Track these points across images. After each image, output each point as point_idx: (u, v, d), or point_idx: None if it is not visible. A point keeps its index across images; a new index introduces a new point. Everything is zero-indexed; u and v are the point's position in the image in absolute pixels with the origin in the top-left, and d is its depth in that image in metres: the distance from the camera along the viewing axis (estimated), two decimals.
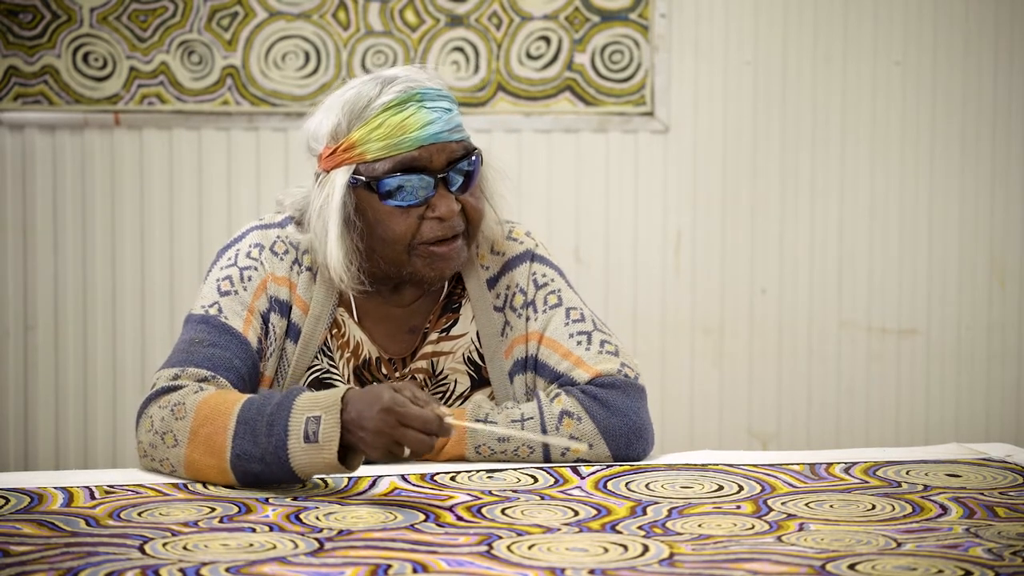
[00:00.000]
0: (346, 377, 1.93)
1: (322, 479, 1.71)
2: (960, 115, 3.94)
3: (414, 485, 1.69)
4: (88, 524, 1.49)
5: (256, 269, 1.90)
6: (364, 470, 1.74)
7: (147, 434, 1.76)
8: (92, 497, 1.62)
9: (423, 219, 1.85)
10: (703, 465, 1.81)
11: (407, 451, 1.61)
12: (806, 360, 3.95)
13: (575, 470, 1.77)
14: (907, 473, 1.75)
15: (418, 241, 1.85)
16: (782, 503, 1.60)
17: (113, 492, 1.64)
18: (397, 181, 1.83)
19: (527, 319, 1.94)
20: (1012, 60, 3.94)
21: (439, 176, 1.84)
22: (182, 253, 3.74)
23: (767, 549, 1.38)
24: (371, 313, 1.94)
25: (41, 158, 3.69)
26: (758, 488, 1.67)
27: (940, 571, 1.30)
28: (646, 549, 1.39)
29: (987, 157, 3.96)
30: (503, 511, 1.56)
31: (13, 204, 3.69)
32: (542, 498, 1.63)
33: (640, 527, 1.49)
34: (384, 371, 1.94)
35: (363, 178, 1.84)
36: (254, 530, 1.47)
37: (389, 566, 1.32)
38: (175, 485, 1.69)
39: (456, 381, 1.95)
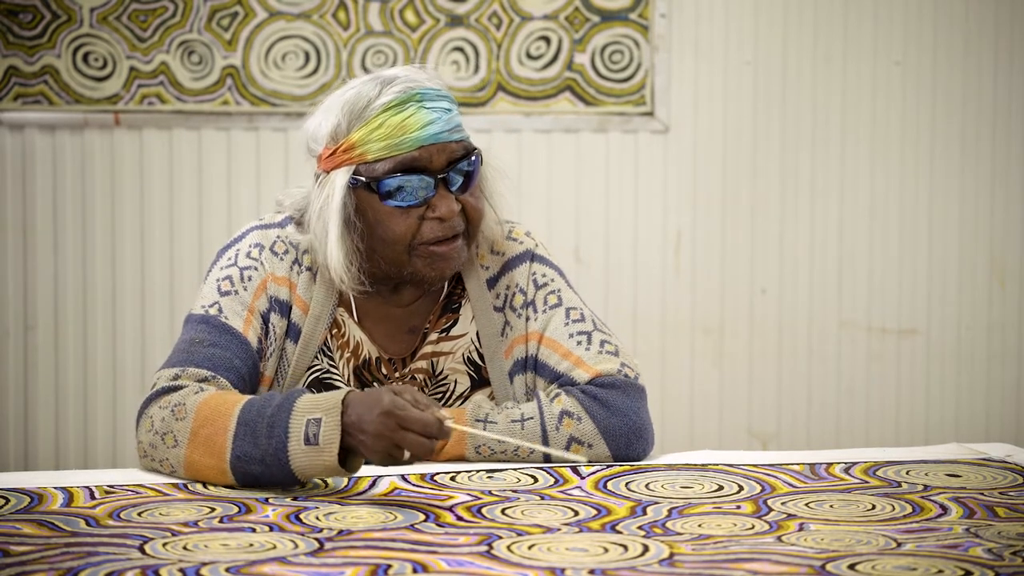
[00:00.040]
0: (346, 377, 1.93)
1: (322, 479, 1.71)
2: (960, 115, 3.94)
3: (414, 485, 1.69)
4: (88, 524, 1.49)
5: (256, 269, 1.90)
6: (364, 470, 1.74)
7: (147, 434, 1.76)
8: (92, 497, 1.62)
9: (423, 219, 1.85)
10: (703, 465, 1.81)
11: (407, 454, 1.61)
12: (806, 360, 3.95)
13: (575, 470, 1.77)
14: (907, 473, 1.75)
15: (418, 241, 1.85)
16: (782, 503, 1.60)
17: (113, 492, 1.64)
18: (397, 181, 1.83)
19: (527, 319, 1.94)
20: (1012, 60, 3.94)
21: (439, 176, 1.84)
22: (182, 253, 3.74)
23: (767, 549, 1.38)
24: (371, 313, 1.94)
25: (41, 158, 3.69)
26: (758, 488, 1.67)
27: (940, 571, 1.30)
28: (646, 549, 1.39)
29: (987, 157, 3.96)
30: (503, 511, 1.56)
31: (13, 204, 3.70)
32: (542, 498, 1.63)
33: (640, 527, 1.49)
34: (384, 371, 1.94)
35: (363, 179, 1.84)
36: (254, 530, 1.47)
37: (389, 566, 1.32)
38: (175, 485, 1.69)
39: (456, 381, 1.95)
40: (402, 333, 1.95)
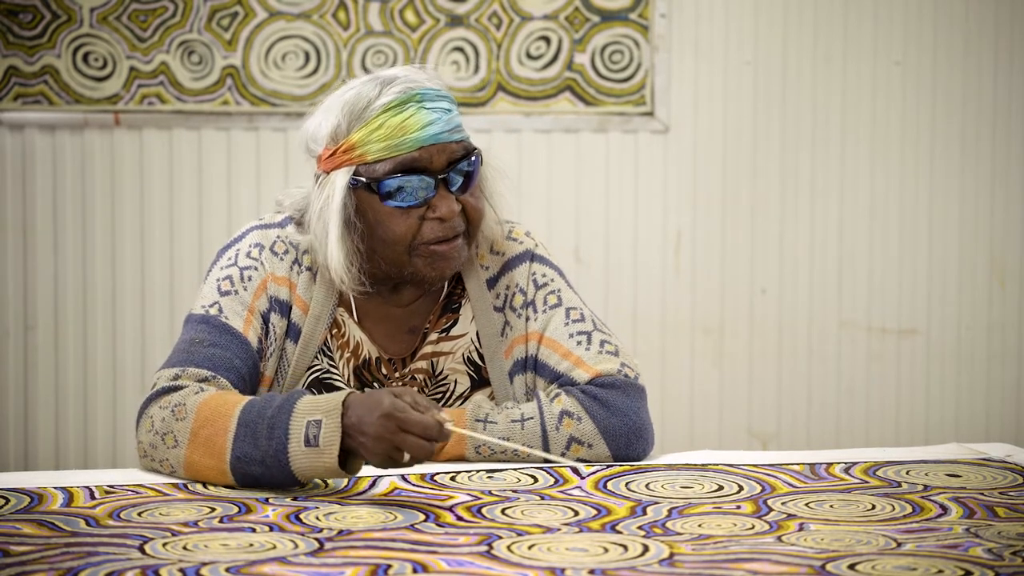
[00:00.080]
0: (346, 377, 1.93)
1: (322, 480, 1.71)
2: (960, 115, 3.94)
3: (414, 485, 1.69)
4: (88, 524, 1.49)
5: (256, 269, 1.90)
6: (364, 471, 1.74)
7: (147, 434, 1.76)
8: (92, 497, 1.62)
9: (424, 219, 1.85)
10: (703, 465, 1.81)
11: (407, 456, 1.61)
12: (806, 360, 3.95)
13: (575, 470, 1.77)
14: (907, 473, 1.75)
15: (419, 241, 1.85)
16: (782, 503, 1.60)
17: (113, 492, 1.64)
18: (397, 182, 1.83)
19: (527, 319, 1.94)
20: (1012, 60, 3.94)
21: (439, 177, 1.84)
22: (182, 253, 3.74)
23: (767, 549, 1.38)
24: (371, 313, 1.94)
25: (41, 158, 3.69)
26: (758, 488, 1.67)
27: (940, 571, 1.30)
28: (646, 549, 1.39)
29: (987, 157, 3.96)
30: (503, 511, 1.56)
31: (13, 204, 3.70)
32: (542, 498, 1.63)
33: (640, 527, 1.49)
34: (384, 371, 1.94)
35: (363, 179, 1.84)
36: (254, 530, 1.47)
37: (389, 566, 1.32)
38: (175, 485, 1.69)
39: (456, 381, 1.95)
40: (402, 333, 1.95)
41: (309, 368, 1.92)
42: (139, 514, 1.54)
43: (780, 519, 1.52)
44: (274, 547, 1.39)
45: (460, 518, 1.53)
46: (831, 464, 1.80)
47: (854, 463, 1.81)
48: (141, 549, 1.38)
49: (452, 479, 1.73)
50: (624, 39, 3.82)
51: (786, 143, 3.91)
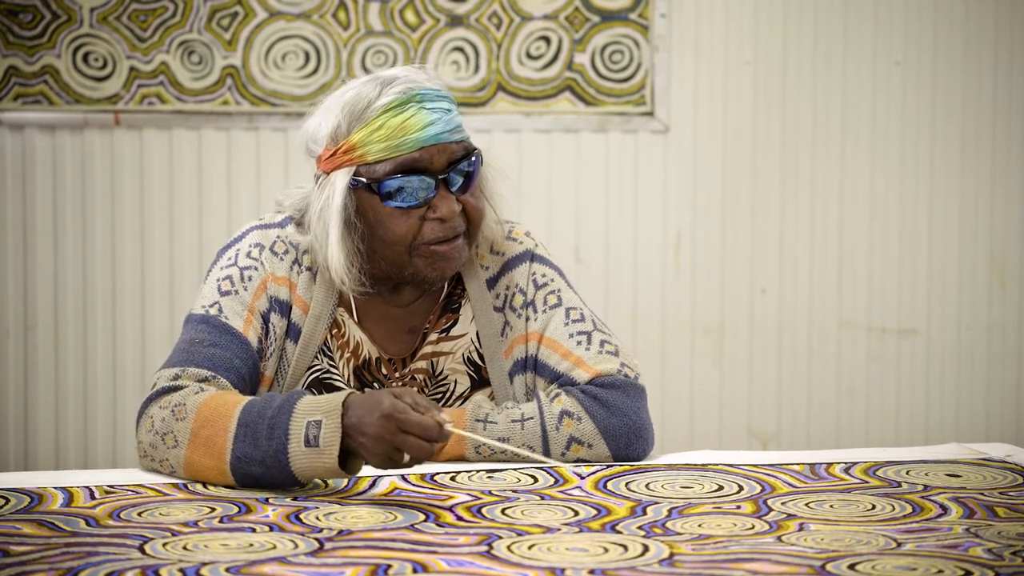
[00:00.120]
0: (346, 377, 1.93)
1: (322, 480, 1.71)
2: (960, 115, 3.94)
3: (414, 485, 1.69)
4: (88, 524, 1.49)
5: (256, 269, 1.90)
6: (364, 471, 1.74)
7: (147, 434, 1.76)
8: (92, 497, 1.62)
9: (424, 220, 1.85)
10: (703, 465, 1.81)
11: (407, 457, 1.61)
12: (806, 360, 3.95)
13: (576, 468, 1.77)
14: (907, 473, 1.75)
15: (419, 242, 1.85)
16: (782, 503, 1.60)
17: (113, 492, 1.64)
18: (398, 183, 1.83)
19: (527, 319, 1.94)
20: (1012, 60, 3.94)
21: (440, 177, 1.84)
22: (182, 253, 3.74)
23: (767, 549, 1.38)
24: (371, 313, 1.94)
25: (41, 158, 3.69)
26: (758, 488, 1.67)
27: (940, 571, 1.30)
28: (646, 549, 1.39)
29: (987, 157, 3.96)
30: (503, 511, 1.56)
31: (13, 204, 3.70)
32: (542, 498, 1.63)
33: (640, 527, 1.49)
34: (384, 371, 1.94)
35: (363, 180, 1.83)
36: (254, 530, 1.47)
37: (389, 566, 1.32)
38: (175, 485, 1.69)
39: (456, 381, 1.95)
40: (402, 333, 1.95)
41: (309, 368, 1.92)
42: (139, 514, 1.54)
43: (780, 519, 1.52)
44: (274, 547, 1.39)
45: (460, 518, 1.53)
46: (831, 464, 1.80)
47: (854, 463, 1.81)
48: (141, 549, 1.38)
49: (452, 479, 1.73)
50: (624, 39, 3.82)
51: (786, 143, 3.91)
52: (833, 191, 3.92)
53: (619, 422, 1.84)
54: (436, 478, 1.73)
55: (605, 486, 1.69)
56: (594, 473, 1.76)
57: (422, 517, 1.53)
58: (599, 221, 3.86)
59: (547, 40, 3.80)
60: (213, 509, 1.57)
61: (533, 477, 1.74)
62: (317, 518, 1.52)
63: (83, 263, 3.72)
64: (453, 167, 1.85)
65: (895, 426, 3.97)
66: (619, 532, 1.47)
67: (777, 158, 3.91)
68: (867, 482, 1.71)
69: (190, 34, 3.70)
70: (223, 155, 3.73)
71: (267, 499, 1.62)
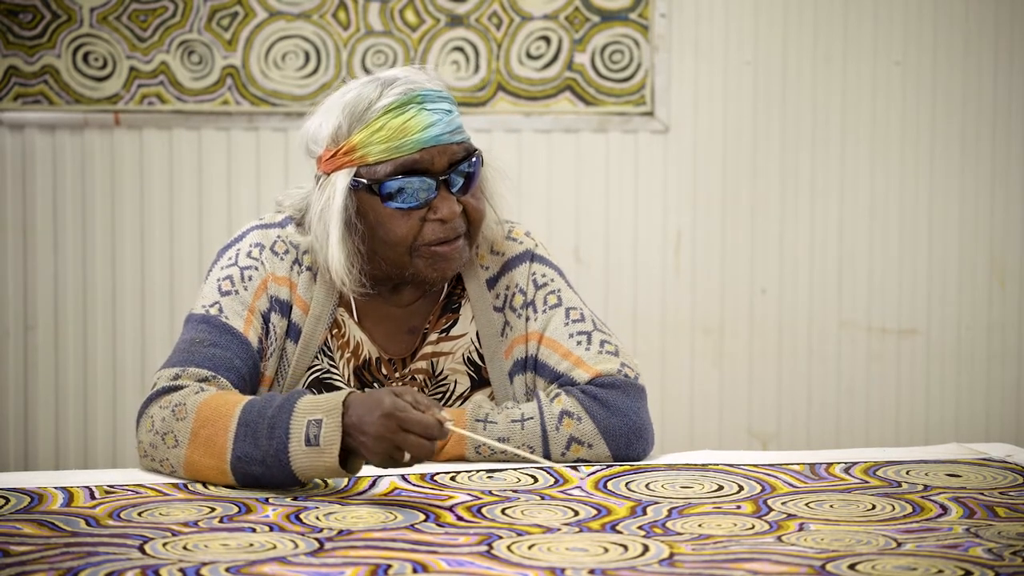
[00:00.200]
0: (346, 377, 1.93)
1: (322, 479, 1.71)
2: (960, 115, 3.94)
3: (414, 485, 1.69)
4: (88, 524, 1.49)
5: (257, 269, 1.90)
6: (364, 470, 1.74)
7: (148, 434, 1.76)
8: (92, 497, 1.62)
9: (425, 221, 1.85)
10: (703, 465, 1.81)
11: (407, 456, 1.61)
12: (806, 360, 3.95)
13: (575, 470, 1.77)
14: (907, 473, 1.75)
15: (420, 243, 1.85)
16: (782, 503, 1.60)
17: (113, 492, 1.64)
18: (398, 184, 1.83)
19: (527, 319, 1.94)
20: (1012, 60, 3.94)
21: (440, 178, 1.84)
22: (182, 253, 3.74)
23: (767, 549, 1.38)
24: (371, 313, 1.94)
25: (41, 158, 3.69)
26: (758, 488, 1.68)
27: (940, 571, 1.31)
28: (646, 549, 1.39)
29: (987, 157, 3.96)
30: (503, 511, 1.56)
31: (13, 204, 3.70)
32: (542, 498, 1.63)
33: (640, 527, 1.49)
34: (384, 371, 1.94)
35: (364, 181, 1.83)
36: (254, 530, 1.47)
37: (389, 566, 1.32)
38: (175, 485, 1.69)
39: (456, 381, 1.95)
40: (402, 333, 1.95)
41: (309, 368, 1.92)
42: (139, 514, 1.54)
43: (780, 519, 1.52)
44: (274, 547, 1.39)
45: (460, 518, 1.53)
46: (831, 464, 1.80)
47: (854, 463, 1.81)
48: (141, 549, 1.38)
49: (452, 479, 1.73)
50: (624, 39, 3.82)
51: (786, 143, 3.91)
52: (833, 191, 3.92)
53: (619, 422, 1.84)
54: (436, 478, 1.73)
55: (605, 486, 1.69)
56: (594, 473, 1.76)
57: (422, 517, 1.53)
58: (599, 221, 3.86)
59: (547, 40, 3.80)
60: (213, 509, 1.57)
61: (533, 477, 1.74)
62: (317, 518, 1.52)
63: (83, 263, 3.72)
64: (454, 168, 1.85)
65: (895, 426, 3.97)
66: (619, 532, 1.47)
67: (777, 158, 3.91)
68: (867, 482, 1.71)
69: (190, 34, 3.70)
70: (223, 155, 3.73)
71: (267, 499, 1.62)
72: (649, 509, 1.57)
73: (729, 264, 3.91)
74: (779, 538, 1.43)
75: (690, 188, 3.89)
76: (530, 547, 1.40)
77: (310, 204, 1.89)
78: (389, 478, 1.72)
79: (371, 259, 1.87)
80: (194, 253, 3.73)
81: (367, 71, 3.70)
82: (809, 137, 3.91)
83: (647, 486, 1.69)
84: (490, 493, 1.65)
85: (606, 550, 1.39)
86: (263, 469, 1.66)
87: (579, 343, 1.90)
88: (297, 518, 1.52)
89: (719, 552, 1.37)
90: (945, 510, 1.56)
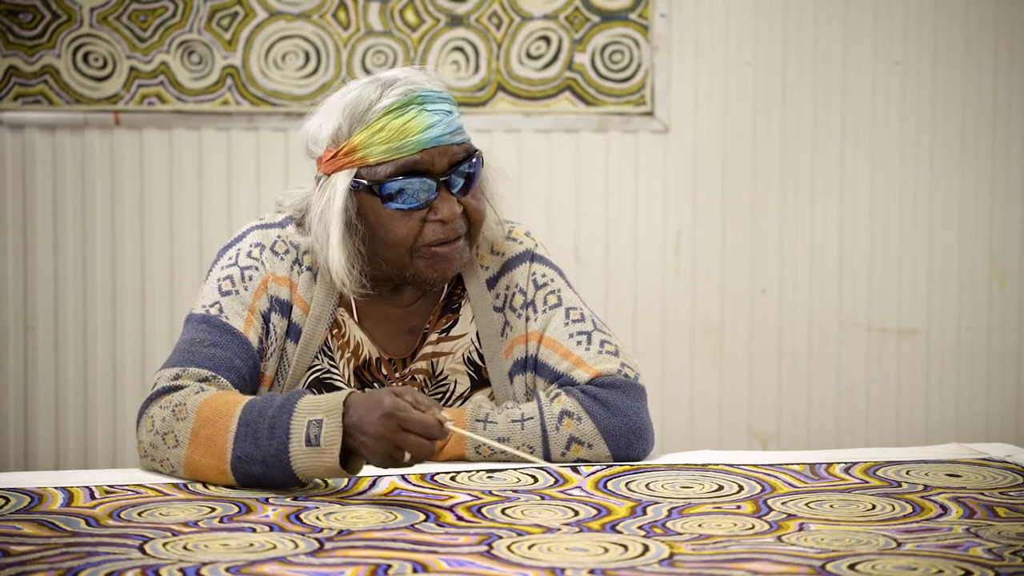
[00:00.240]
0: (346, 377, 1.93)
1: (322, 479, 1.71)
2: (960, 115, 3.94)
3: (414, 485, 1.69)
4: (88, 524, 1.49)
5: (257, 269, 1.90)
6: (364, 470, 1.74)
7: (148, 434, 1.76)
8: (92, 497, 1.62)
9: (425, 222, 1.85)
10: (703, 465, 1.81)
11: (407, 456, 1.61)
12: (806, 360, 3.95)
13: (575, 470, 1.77)
14: (907, 473, 1.75)
15: (420, 243, 1.85)
16: (782, 503, 1.60)
17: (113, 492, 1.64)
18: (399, 184, 1.83)
19: (527, 319, 1.94)
20: (1012, 60, 3.94)
21: (441, 179, 1.84)
22: (182, 253, 3.74)
23: (767, 549, 1.38)
24: (371, 313, 1.94)
25: (41, 158, 3.69)
26: (758, 488, 1.68)
27: (940, 571, 1.31)
28: (646, 549, 1.39)
29: (987, 157, 3.96)
30: (503, 511, 1.56)
31: (13, 204, 3.70)
32: (542, 498, 1.63)
33: (640, 527, 1.49)
34: (384, 371, 1.94)
35: (364, 182, 1.83)
36: (254, 530, 1.47)
37: (389, 566, 1.32)
38: (175, 485, 1.69)
39: (456, 381, 1.95)
40: (402, 333, 1.95)
41: (309, 368, 1.92)
42: (139, 514, 1.54)
43: (780, 519, 1.52)
44: (274, 547, 1.39)
45: (460, 518, 1.53)
46: (831, 464, 1.80)
47: (854, 463, 1.81)
48: (141, 549, 1.38)
49: (452, 479, 1.73)
50: (624, 39, 3.82)
51: (786, 143, 3.91)
52: (833, 191, 3.92)
53: (619, 422, 1.84)
54: (436, 478, 1.73)
55: (605, 486, 1.69)
56: (594, 473, 1.76)
57: (422, 517, 1.53)
58: (599, 221, 3.86)
59: (547, 40, 3.80)
60: (213, 509, 1.57)
61: (533, 477, 1.74)
62: (317, 518, 1.52)
63: (83, 263, 3.72)
64: (454, 169, 1.85)
65: (895, 426, 3.97)
66: (619, 532, 1.47)
67: (777, 158, 3.91)
68: (867, 482, 1.71)
69: (190, 34, 3.70)
70: (223, 155, 3.73)
71: (267, 499, 1.62)
72: (649, 509, 1.57)
73: (729, 264, 3.91)
74: (779, 538, 1.43)
75: (690, 188, 3.89)
76: (530, 547, 1.40)
77: (310, 205, 1.89)
78: (389, 478, 1.72)
79: (371, 260, 1.87)
80: (194, 253, 3.73)
81: (367, 71, 3.70)
82: (809, 137, 3.91)
83: (647, 486, 1.69)
84: (490, 493, 1.65)
85: (606, 550, 1.39)
86: (263, 469, 1.66)
87: (579, 343, 1.90)
88: (297, 518, 1.52)
89: (719, 552, 1.37)
90: (945, 510, 1.56)
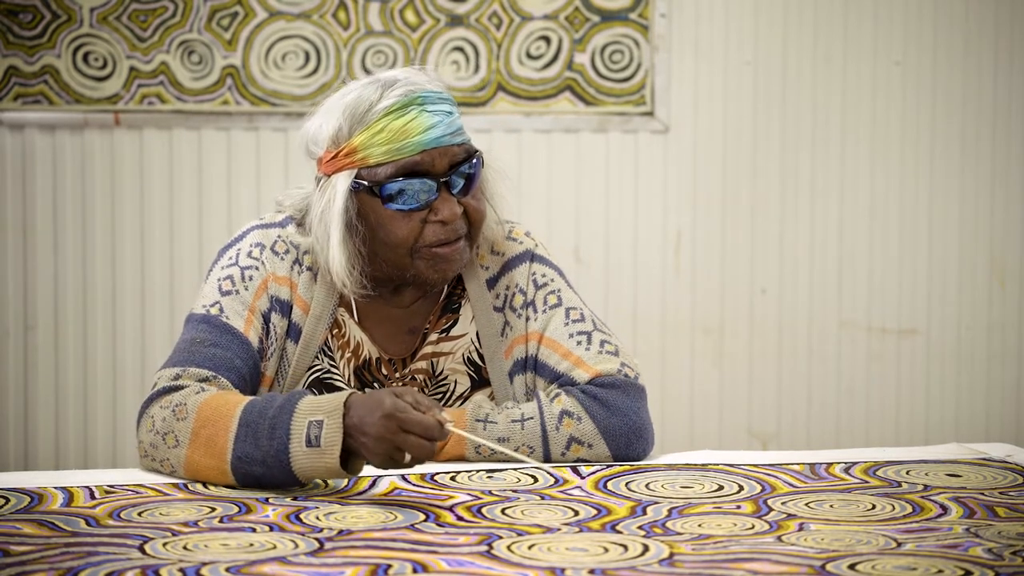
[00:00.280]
0: (346, 377, 1.93)
1: (322, 480, 1.71)
2: (960, 115, 3.94)
3: (414, 485, 1.69)
4: (88, 524, 1.49)
5: (257, 269, 1.90)
6: (364, 471, 1.74)
7: (148, 434, 1.76)
8: (92, 497, 1.62)
9: (425, 222, 1.85)
10: (703, 465, 1.81)
11: (408, 457, 1.61)
12: (806, 360, 3.95)
13: (575, 470, 1.77)
14: (907, 473, 1.75)
15: (421, 244, 1.85)
16: (782, 503, 1.60)
17: (113, 492, 1.64)
18: (399, 185, 1.83)
19: (527, 319, 1.94)
20: (1012, 60, 3.94)
21: (441, 180, 1.84)
22: (182, 253, 3.74)
23: (767, 549, 1.38)
24: (371, 314, 1.94)
25: (41, 158, 3.69)
26: (758, 488, 1.68)
27: (940, 571, 1.31)
28: (646, 549, 1.39)
29: (987, 157, 3.96)
30: (503, 511, 1.56)
31: (13, 204, 3.70)
32: (542, 498, 1.63)
33: (640, 527, 1.49)
34: (384, 372, 1.94)
35: (365, 183, 1.83)
36: (254, 530, 1.47)
37: (389, 566, 1.32)
38: (175, 485, 1.69)
39: (456, 382, 1.95)
40: (402, 333, 1.95)
41: (310, 368, 1.92)
42: (139, 514, 1.54)
43: (780, 519, 1.52)
44: (274, 547, 1.39)
45: (460, 518, 1.53)
46: (831, 464, 1.80)
47: (854, 463, 1.81)
48: (141, 549, 1.38)
49: (452, 479, 1.73)
50: (624, 39, 3.82)
51: (786, 143, 3.91)
52: (833, 191, 3.92)
53: (619, 422, 1.84)
54: (436, 478, 1.73)
55: (605, 486, 1.69)
56: (594, 473, 1.76)
57: (422, 517, 1.53)
58: (599, 221, 3.86)
59: (547, 40, 3.80)
60: (213, 509, 1.57)
61: (533, 477, 1.74)
62: (317, 518, 1.52)
63: (83, 263, 3.72)
64: (455, 170, 1.85)
65: (895, 426, 3.97)
66: (619, 532, 1.47)
67: (777, 158, 3.91)
68: (867, 482, 1.71)
69: (190, 34, 3.70)
70: (223, 155, 3.73)
71: (267, 499, 1.62)
72: (649, 509, 1.57)
73: (729, 264, 3.91)
74: (779, 538, 1.43)
75: (690, 188, 3.89)
76: (530, 547, 1.40)
77: (310, 205, 1.89)
78: (389, 478, 1.72)
79: (372, 261, 1.87)
80: (194, 253, 3.73)
81: (367, 71, 3.70)
82: (809, 137, 3.91)
83: (647, 486, 1.69)
84: (490, 493, 1.65)
85: (606, 550, 1.39)
86: (264, 469, 1.66)
87: (579, 343, 1.90)
88: (297, 518, 1.52)
89: (719, 552, 1.37)
90: (945, 510, 1.56)
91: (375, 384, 1.94)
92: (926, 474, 1.75)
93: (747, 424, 3.93)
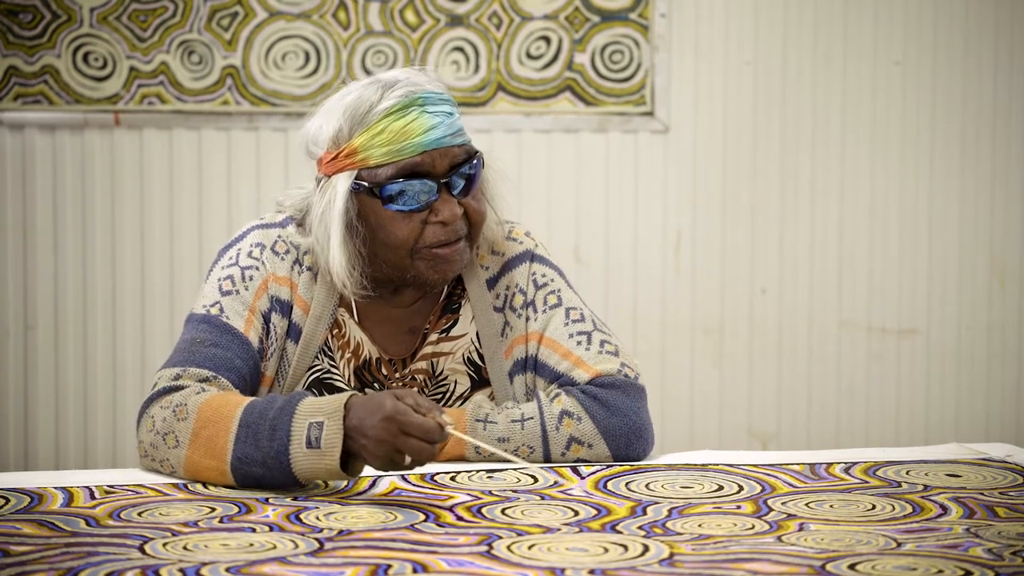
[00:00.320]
0: (346, 378, 1.93)
1: (323, 480, 1.71)
2: (960, 115, 3.94)
3: (414, 485, 1.69)
4: (88, 524, 1.49)
5: (257, 269, 1.90)
6: (364, 471, 1.74)
7: (148, 434, 1.76)
8: (92, 497, 1.62)
9: (426, 223, 1.85)
10: (703, 465, 1.81)
11: (408, 459, 1.61)
12: (806, 360, 3.95)
13: (575, 470, 1.77)
14: (907, 473, 1.75)
15: (421, 245, 1.85)
16: (782, 503, 1.60)
17: (113, 492, 1.64)
18: (400, 186, 1.83)
19: (527, 319, 1.94)
20: (1012, 60, 3.94)
21: (441, 181, 1.84)
22: (182, 253, 3.74)
23: (767, 549, 1.38)
24: (371, 314, 1.94)
25: (41, 158, 3.69)
26: (758, 488, 1.68)
27: (940, 571, 1.31)
28: (646, 549, 1.39)
29: (987, 157, 3.96)
30: (503, 511, 1.56)
31: (13, 204, 3.70)
32: (542, 498, 1.63)
33: (640, 527, 1.49)
34: (384, 372, 1.94)
35: (365, 183, 1.83)
36: (254, 530, 1.47)
37: (389, 566, 1.32)
38: (175, 485, 1.69)
39: (456, 382, 1.95)
40: (402, 334, 1.95)
41: (310, 368, 1.92)
42: (139, 514, 1.54)
43: (780, 519, 1.52)
44: (274, 547, 1.39)
45: (460, 518, 1.53)
46: (831, 464, 1.80)
47: (854, 463, 1.81)
48: (141, 549, 1.38)
49: (452, 479, 1.73)
50: (624, 39, 3.82)
51: (786, 143, 3.91)
52: (833, 191, 3.92)
53: (619, 422, 1.84)
54: (436, 478, 1.73)
55: (605, 486, 1.69)
56: (594, 473, 1.76)
57: (422, 517, 1.53)
58: (599, 221, 3.86)
59: (547, 40, 3.80)
60: (213, 509, 1.57)
61: (533, 477, 1.74)
62: (317, 518, 1.52)
63: (83, 263, 3.72)
64: (455, 171, 1.85)
65: (895, 426, 3.97)
66: (619, 532, 1.47)
67: (777, 158, 3.91)
68: (867, 482, 1.71)
69: (190, 34, 3.70)
70: (223, 155, 3.73)
71: (267, 499, 1.62)
72: (649, 509, 1.57)
73: (729, 264, 3.91)
74: (779, 538, 1.43)
75: (690, 188, 3.89)
76: (530, 547, 1.40)
77: (311, 206, 1.89)
78: (389, 478, 1.72)
79: (372, 261, 1.87)
80: (194, 253, 3.73)
81: (367, 71, 3.70)
82: (809, 137, 3.91)
83: (647, 486, 1.69)
84: (490, 493, 1.65)
85: (606, 550, 1.39)
86: (264, 471, 1.66)
87: (579, 343, 1.90)
88: (297, 518, 1.52)
89: (719, 552, 1.37)
90: (945, 510, 1.56)
91: (375, 384, 1.94)
92: (926, 474, 1.75)
93: (747, 424, 3.93)
